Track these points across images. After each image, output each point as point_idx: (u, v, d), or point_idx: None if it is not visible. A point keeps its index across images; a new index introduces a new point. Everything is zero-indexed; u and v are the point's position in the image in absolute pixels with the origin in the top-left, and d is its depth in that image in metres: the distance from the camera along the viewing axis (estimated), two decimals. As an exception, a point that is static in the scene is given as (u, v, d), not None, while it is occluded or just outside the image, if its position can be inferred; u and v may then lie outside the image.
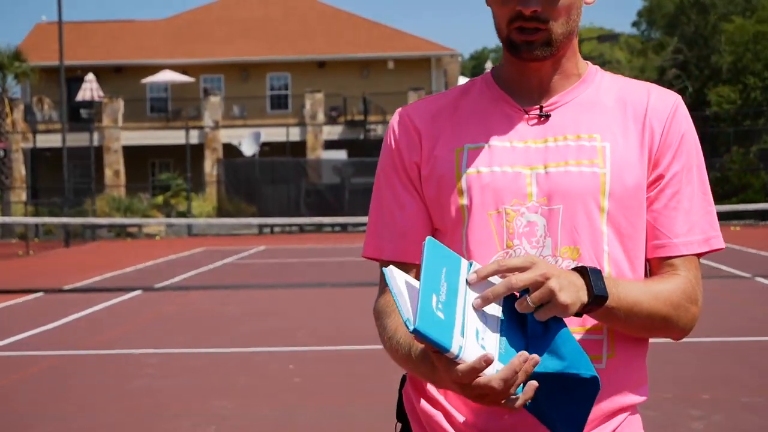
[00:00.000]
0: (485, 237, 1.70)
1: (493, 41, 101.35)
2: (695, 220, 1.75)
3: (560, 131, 1.74)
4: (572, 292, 1.47)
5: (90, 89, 33.98)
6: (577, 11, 1.75)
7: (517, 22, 1.65)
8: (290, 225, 26.72)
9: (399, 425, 1.89)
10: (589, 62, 1.89)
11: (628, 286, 1.64)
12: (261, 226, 28.55)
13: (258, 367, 8.08)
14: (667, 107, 1.78)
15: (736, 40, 47.87)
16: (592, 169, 1.70)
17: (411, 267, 1.72)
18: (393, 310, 1.68)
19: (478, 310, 1.44)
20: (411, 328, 1.34)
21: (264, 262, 18.68)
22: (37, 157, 35.15)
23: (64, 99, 28.37)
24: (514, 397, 1.41)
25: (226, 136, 35.19)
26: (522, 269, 1.45)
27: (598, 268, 1.57)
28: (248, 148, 32.12)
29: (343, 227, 27.92)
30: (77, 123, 34.08)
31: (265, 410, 6.49)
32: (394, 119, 1.85)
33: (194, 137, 34.42)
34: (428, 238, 1.49)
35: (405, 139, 1.80)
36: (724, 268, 15.06)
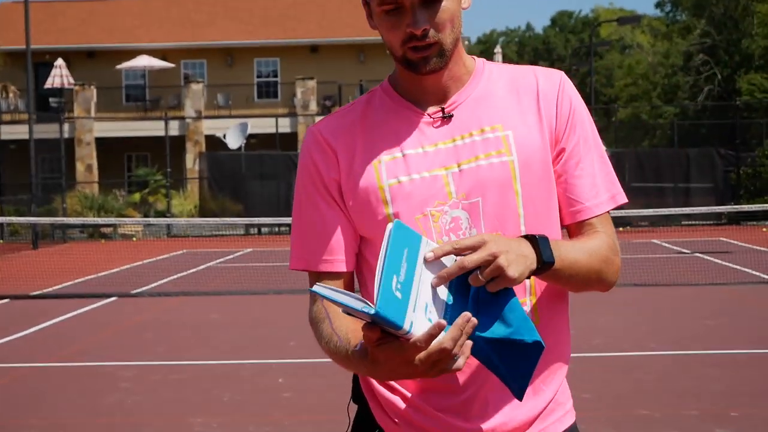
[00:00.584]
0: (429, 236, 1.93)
1: (501, 23, 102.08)
2: (599, 182, 2.09)
3: (465, 128, 2.03)
4: (520, 264, 1.76)
5: (60, 76, 34.01)
6: (459, 19, 2.01)
7: (411, 42, 1.93)
8: (280, 225, 26.75)
9: (356, 407, 2.21)
10: (474, 57, 2.16)
11: (568, 247, 1.97)
12: (248, 226, 28.60)
13: (244, 380, 8.10)
14: (555, 87, 2.10)
15: (768, 22, 48.03)
16: (501, 159, 2.00)
17: (338, 276, 2.07)
18: (325, 317, 2.00)
19: (432, 286, 1.71)
20: (372, 311, 1.58)
21: (251, 266, 18.64)
22: (1, 150, 35.17)
23: (32, 86, 28.45)
24: (457, 359, 1.68)
25: (209, 127, 35.26)
26: (474, 248, 1.72)
27: (536, 235, 1.86)
28: (234, 141, 32.17)
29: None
30: (45, 113, 34.18)
31: (252, 428, 6.53)
32: (308, 138, 2.14)
33: (174, 128, 34.47)
34: (395, 221, 1.74)
35: (321, 158, 2.08)
36: (755, 273, 15.07)
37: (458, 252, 1.73)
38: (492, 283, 1.73)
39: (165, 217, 29.03)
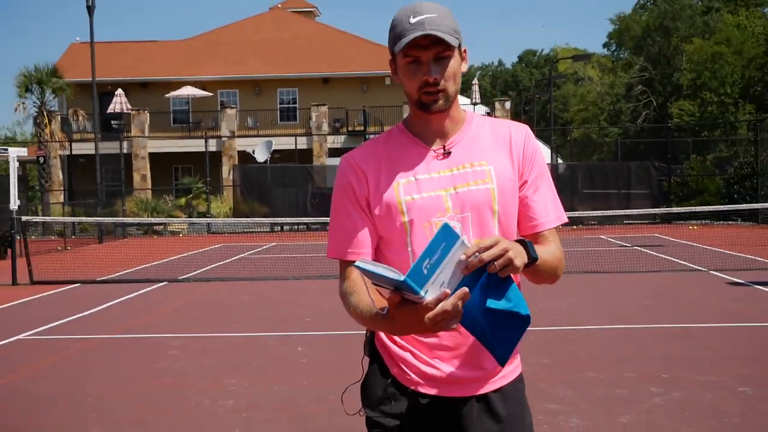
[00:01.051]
0: (424, 239, 2.17)
1: (478, 59, 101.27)
2: (550, 206, 2.38)
3: (460, 162, 2.31)
4: (521, 257, 2.04)
5: (119, 102, 33.95)
6: (459, 77, 2.29)
7: (425, 88, 2.20)
8: (298, 224, 26.69)
9: (367, 359, 2.45)
10: (465, 109, 2.42)
11: (542, 250, 2.23)
12: (272, 225, 28.57)
13: (269, 349, 8.18)
14: (522, 137, 2.40)
15: (695, 59, 48.08)
16: (485, 186, 2.29)
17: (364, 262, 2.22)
18: (354, 291, 2.26)
19: (456, 270, 1.94)
20: (401, 279, 1.85)
21: (275, 257, 18.71)
22: (72, 163, 35.19)
23: (97, 111, 28.41)
24: (452, 321, 1.93)
25: (240, 144, 35.19)
26: (491, 246, 1.96)
27: (528, 240, 2.17)
28: (261, 155, 32.11)
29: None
30: (108, 133, 34.03)
31: (276, 387, 6.57)
32: (344, 163, 2.40)
33: (212, 145, 34.39)
34: (444, 223, 1.99)
35: (355, 179, 2.34)
36: (683, 262, 15.12)
37: (482, 249, 1.96)
38: (503, 270, 1.98)
39: (205, 217, 29.01)
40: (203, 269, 16.33)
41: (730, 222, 27.20)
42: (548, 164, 30.60)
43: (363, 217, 2.35)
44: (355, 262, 2.08)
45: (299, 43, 40.88)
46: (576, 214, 23.19)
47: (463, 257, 1.94)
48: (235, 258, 18.74)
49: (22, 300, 12.17)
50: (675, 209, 24.43)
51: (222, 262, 17.71)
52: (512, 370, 2.44)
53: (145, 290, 13.05)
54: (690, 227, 25.91)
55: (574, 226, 26.72)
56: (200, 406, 6.05)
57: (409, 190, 2.29)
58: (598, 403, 5.86)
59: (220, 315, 10.48)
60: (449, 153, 2.33)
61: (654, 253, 17.29)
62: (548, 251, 2.30)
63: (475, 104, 41.48)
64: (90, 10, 25.10)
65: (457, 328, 2.04)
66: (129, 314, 10.71)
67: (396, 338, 2.35)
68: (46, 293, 12.84)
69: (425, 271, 1.87)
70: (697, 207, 24.79)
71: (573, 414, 5.62)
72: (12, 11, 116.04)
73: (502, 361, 2.16)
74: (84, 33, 67.89)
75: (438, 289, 1.89)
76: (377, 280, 1.95)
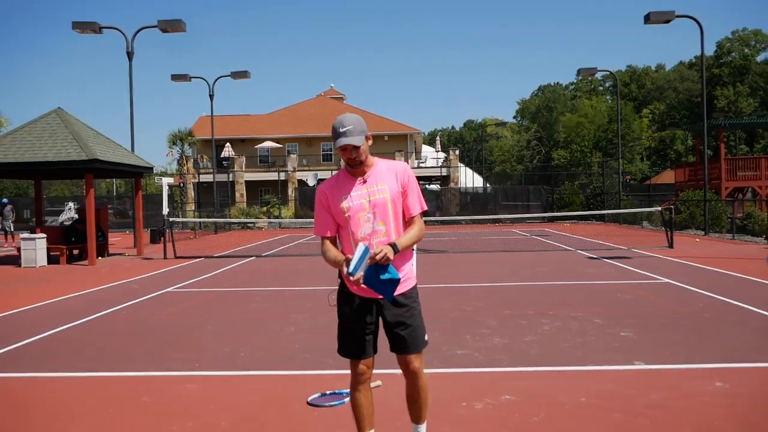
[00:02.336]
0: (356, 224, 2.69)
1: (440, 124, 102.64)
2: (416, 203, 2.77)
3: (371, 184, 2.72)
4: (391, 253, 2.58)
5: (228, 151, 34.17)
6: (367, 150, 2.72)
7: (349, 161, 2.69)
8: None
9: (339, 281, 2.85)
10: (371, 156, 2.79)
11: (405, 238, 2.70)
12: (318, 223, 28.61)
13: (315, 297, 8.10)
14: (402, 169, 2.78)
15: (567, 125, 48.12)
16: (383, 196, 2.70)
17: (331, 238, 2.80)
18: (326, 249, 2.78)
19: (366, 263, 2.56)
20: (351, 269, 2.54)
21: (319, 242, 18.72)
22: (200, 187, 35.18)
23: (214, 156, 28.42)
24: (357, 280, 2.55)
25: (299, 175, 35.18)
26: (378, 253, 2.55)
27: (394, 242, 2.64)
28: (311, 182, 32.29)
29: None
30: (221, 168, 34.06)
31: (320, 319, 6.49)
32: (319, 188, 2.81)
33: (283, 176, 34.40)
34: (360, 244, 2.60)
35: (323, 196, 2.78)
36: (560, 245, 15.10)
37: (374, 254, 2.55)
38: (385, 260, 2.55)
39: (278, 218, 29.00)
40: (276, 249, 16.28)
41: (588, 222, 27.16)
42: (480, 187, 30.33)
43: (328, 215, 2.77)
44: (326, 236, 2.78)
45: (334, 116, 40.59)
46: (498, 216, 23.29)
47: (368, 258, 2.54)
48: (295, 243, 18.70)
49: (169, 267, 12.15)
50: (555, 214, 24.55)
51: (287, 245, 17.66)
52: (409, 286, 2.79)
53: (241, 262, 13.01)
54: (564, 224, 25.88)
55: (497, 224, 26.66)
56: (274, 331, 6.01)
57: (348, 200, 2.71)
58: (510, 329, 5.81)
59: (286, 277, 10.43)
60: (365, 181, 2.73)
61: (543, 240, 17.23)
62: (408, 236, 2.71)
63: (438, 151, 41.42)
64: (211, 97, 25.13)
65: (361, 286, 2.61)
66: (232, 276, 10.68)
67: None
68: (183, 264, 12.82)
69: (354, 267, 2.54)
70: (568, 212, 24.88)
71: (496, 335, 5.57)
72: (165, 99, 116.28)
73: (389, 298, 2.68)
74: (207, 109, 68.18)
75: (361, 272, 2.54)
76: (349, 262, 2.58)
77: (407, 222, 2.76)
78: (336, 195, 2.72)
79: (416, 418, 2.90)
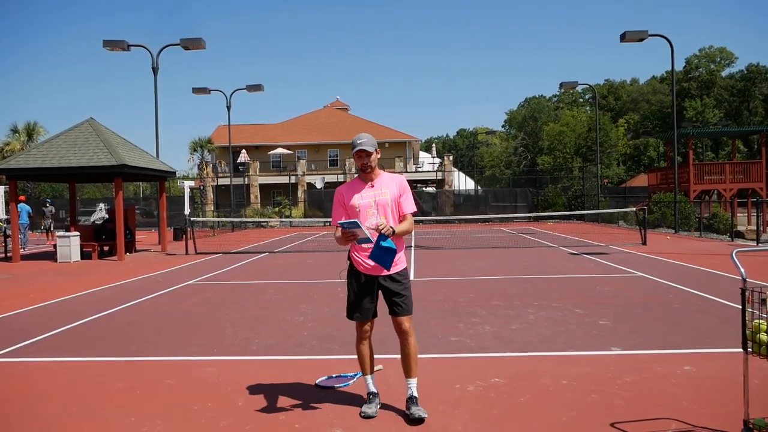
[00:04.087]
0: (364, 216, 3.17)
1: (436, 132, 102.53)
2: (409, 205, 3.23)
3: (378, 188, 3.21)
4: (391, 230, 3.06)
5: (244, 157, 34.08)
6: (376, 159, 3.21)
7: (362, 166, 3.18)
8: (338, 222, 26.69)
9: (348, 262, 3.32)
10: (378, 168, 3.27)
11: (401, 226, 3.18)
12: (324, 222, 28.58)
13: (323, 289, 8.07)
14: (402, 180, 3.27)
15: (551, 134, 48.01)
16: (386, 198, 3.19)
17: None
18: (337, 234, 3.14)
19: (372, 231, 3.09)
20: (367, 236, 3.07)
21: (326, 240, 18.72)
22: (218, 189, 35.18)
23: (231, 161, 28.41)
24: (366, 245, 3.14)
25: (308, 179, 35.17)
26: (384, 224, 3.05)
27: (394, 227, 3.09)
28: (318, 185, 32.20)
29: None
30: (237, 173, 34.05)
31: (326, 309, 6.49)
32: (338, 189, 3.28)
33: (293, 179, 34.40)
34: (354, 220, 3.06)
35: (341, 195, 3.26)
36: (544, 242, 15.08)
37: (381, 224, 3.06)
38: (387, 231, 3.04)
39: (288, 218, 28.99)
40: (287, 246, 16.24)
41: (570, 221, 27.03)
42: (471, 189, 30.23)
43: (343, 210, 3.24)
44: (338, 226, 3.14)
45: (339, 125, 40.87)
46: (487, 216, 23.18)
47: (373, 227, 3.06)
48: (305, 240, 18.68)
49: (191, 262, 12.13)
50: (540, 214, 24.49)
51: (298, 242, 17.63)
52: (401, 268, 3.25)
53: (255, 257, 12.98)
54: (548, 222, 25.84)
55: (487, 223, 26.63)
56: (285, 320, 5.99)
57: (358, 199, 3.20)
58: (499, 318, 5.79)
59: (297, 270, 10.39)
60: (373, 185, 3.23)
61: (529, 237, 17.18)
62: (402, 226, 3.17)
63: (434, 157, 41.39)
64: (228, 108, 25.15)
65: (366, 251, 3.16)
66: (247, 270, 10.65)
67: (354, 255, 3.25)
68: (203, 259, 12.81)
69: (365, 232, 3.05)
70: (552, 213, 24.83)
71: (486, 324, 5.55)
72: (189, 113, 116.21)
73: (388, 268, 3.13)
74: (225, 119, 68.24)
75: (367, 233, 3.06)
76: (349, 225, 3.01)
77: (402, 218, 3.22)
78: (350, 194, 3.22)
79: (408, 372, 3.25)
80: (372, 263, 3.16)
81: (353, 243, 3.12)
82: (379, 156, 3.19)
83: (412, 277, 8.72)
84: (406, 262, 3.31)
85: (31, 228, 21.52)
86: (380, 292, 3.23)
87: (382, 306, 3.29)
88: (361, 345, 3.30)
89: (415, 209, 3.22)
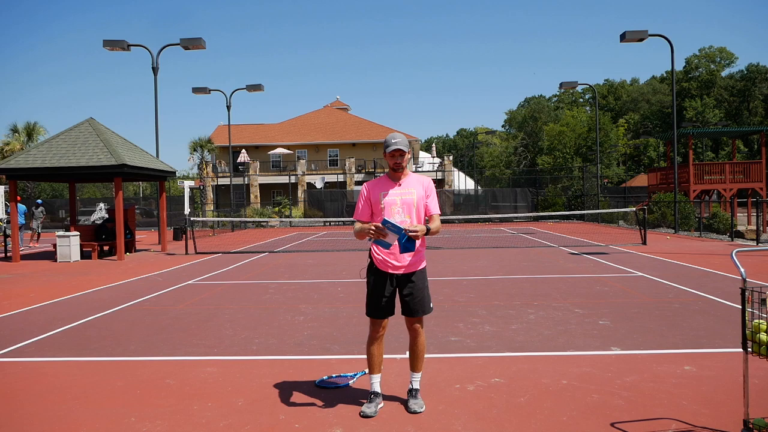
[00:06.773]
0: (389, 213, 3.19)
1: (435, 132, 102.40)
2: (436, 206, 3.28)
3: (405, 188, 3.24)
4: (423, 232, 3.08)
5: (243, 156, 34.05)
6: (408, 160, 2.81)
7: (394, 165, 3.22)
8: (338, 221, 26.74)
9: (369, 260, 3.34)
10: (408, 169, 3.32)
11: (432, 224, 3.20)
12: (324, 222, 28.58)
13: (322, 289, 8.06)
14: (427, 182, 3.30)
15: (550, 134, 47.98)
16: (412, 197, 3.21)
17: (366, 222, 3.24)
18: (356, 228, 3.19)
19: (401, 230, 3.07)
20: (401, 228, 3.07)
21: (326, 239, 18.70)
22: (218, 189, 35.14)
23: (231, 161, 28.38)
24: (388, 238, 3.09)
25: (308, 179, 35.17)
26: (417, 228, 3.06)
27: (426, 226, 3.14)
28: (318, 185, 32.17)
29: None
30: (237, 172, 34.04)
31: (326, 309, 6.49)
32: (364, 185, 3.28)
33: (293, 179, 34.37)
34: (384, 219, 3.07)
35: (367, 191, 3.27)
36: (544, 242, 15.07)
37: (411, 227, 3.06)
38: (415, 237, 3.06)
39: (288, 217, 28.97)
40: (287, 246, 16.22)
41: (570, 221, 27.06)
42: (471, 189, 30.18)
43: (367, 206, 3.27)
44: (361, 220, 3.26)
45: (339, 125, 40.89)
46: (488, 216, 23.13)
47: (405, 227, 3.06)
48: (305, 240, 18.65)
49: (191, 262, 12.13)
50: (540, 213, 24.42)
51: (298, 242, 17.61)
52: (421, 266, 3.28)
53: (256, 257, 12.97)
54: (549, 222, 25.85)
55: (487, 223, 26.64)
56: (285, 319, 5.99)
57: (385, 196, 3.22)
58: (499, 318, 5.79)
59: (297, 270, 10.38)
60: (401, 184, 3.26)
61: (529, 237, 17.17)
62: (434, 225, 3.22)
63: (434, 157, 41.43)
64: (228, 108, 25.13)
65: (391, 249, 3.18)
66: (247, 270, 10.64)
67: (375, 253, 3.27)
68: (203, 258, 12.80)
69: (393, 225, 3.04)
70: (552, 212, 24.75)
71: (486, 323, 5.56)
72: (189, 112, 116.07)
73: (408, 252, 3.16)
74: (225, 119, 68.20)
75: (391, 233, 3.06)
76: (391, 228, 3.02)
77: (429, 218, 3.27)
78: (376, 191, 3.26)
79: (414, 367, 3.38)
80: (395, 262, 3.24)
81: (372, 242, 3.22)
82: (409, 157, 3.55)
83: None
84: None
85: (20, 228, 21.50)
86: (397, 290, 3.26)
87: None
88: (374, 343, 3.31)
89: (439, 210, 3.29)
